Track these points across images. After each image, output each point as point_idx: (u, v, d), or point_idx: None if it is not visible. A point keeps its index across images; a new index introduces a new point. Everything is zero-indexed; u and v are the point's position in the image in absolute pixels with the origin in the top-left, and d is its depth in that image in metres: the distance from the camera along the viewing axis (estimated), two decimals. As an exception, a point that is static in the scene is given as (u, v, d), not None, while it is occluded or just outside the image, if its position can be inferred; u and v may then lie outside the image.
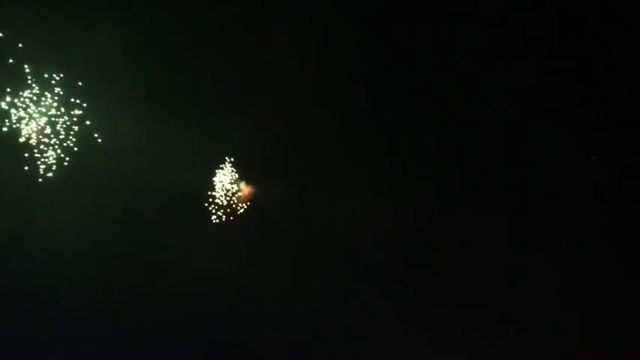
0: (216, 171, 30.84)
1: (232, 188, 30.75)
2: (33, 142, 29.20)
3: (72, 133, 29.49)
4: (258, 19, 28.60)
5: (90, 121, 29.55)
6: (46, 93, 29.08)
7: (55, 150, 29.51)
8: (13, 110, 28.59)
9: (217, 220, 30.56)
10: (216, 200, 30.64)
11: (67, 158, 29.56)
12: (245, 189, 30.62)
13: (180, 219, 29.76)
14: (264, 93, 28.95)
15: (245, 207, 30.60)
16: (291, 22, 28.05)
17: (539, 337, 26.93)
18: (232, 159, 30.89)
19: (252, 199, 30.52)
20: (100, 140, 29.71)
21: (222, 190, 30.70)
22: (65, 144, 29.51)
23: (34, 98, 28.95)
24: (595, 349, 26.04)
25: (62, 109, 29.33)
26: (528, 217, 27.28)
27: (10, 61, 28.19)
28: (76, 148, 29.61)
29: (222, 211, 30.61)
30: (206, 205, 30.63)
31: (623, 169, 25.84)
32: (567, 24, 25.63)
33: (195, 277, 29.43)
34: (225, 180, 30.71)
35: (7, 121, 28.44)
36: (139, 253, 29.78)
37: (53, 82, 29.05)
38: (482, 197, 27.57)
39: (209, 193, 30.68)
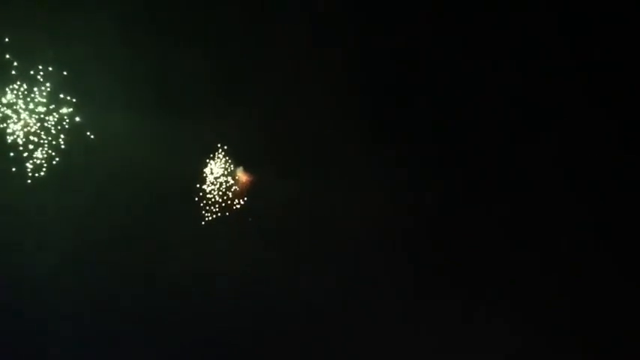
0: (210, 163, 30.25)
1: (227, 182, 30.24)
2: (20, 141, 28.29)
3: (61, 130, 28.67)
4: (249, 8, 28.08)
5: (80, 118, 28.74)
6: (34, 89, 28.21)
7: (44, 149, 28.68)
8: (-2, 108, 27.82)
9: (211, 217, 30.07)
10: (209, 195, 30.14)
11: (57, 158, 28.79)
12: (241, 182, 30.16)
13: (178, 217, 29.36)
14: (260, 78, 28.45)
15: (241, 202, 30.13)
16: (284, 12, 27.66)
17: (542, 338, 27.20)
18: (227, 151, 30.31)
19: (249, 194, 30.05)
20: (91, 137, 29.00)
21: (216, 184, 30.21)
22: (55, 142, 28.67)
23: (21, 95, 28.07)
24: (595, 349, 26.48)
25: (51, 106, 28.51)
26: (530, 216, 27.45)
27: (-5, 56, 27.44)
28: (64, 146, 28.83)
29: (216, 206, 30.13)
30: (197, 199, 30.09)
31: (624, 169, 26.13)
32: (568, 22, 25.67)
33: (189, 276, 29.04)
34: (219, 173, 30.21)
35: (-7, 119, 27.76)
36: (133, 254, 29.20)
37: (39, 77, 28.12)
38: (485, 196, 27.63)
39: (202, 187, 30.12)
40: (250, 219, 29.73)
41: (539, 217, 27.35)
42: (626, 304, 26.56)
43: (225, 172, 30.35)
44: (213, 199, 30.20)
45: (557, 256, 27.14)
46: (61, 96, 28.55)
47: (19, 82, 27.96)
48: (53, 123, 28.72)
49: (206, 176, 30.22)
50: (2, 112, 27.92)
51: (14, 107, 28.07)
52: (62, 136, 28.84)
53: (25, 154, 28.48)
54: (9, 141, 28.17)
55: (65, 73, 28.31)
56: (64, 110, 28.68)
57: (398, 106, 27.76)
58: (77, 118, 28.84)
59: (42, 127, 28.58)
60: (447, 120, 27.54)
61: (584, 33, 26.12)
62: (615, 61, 25.64)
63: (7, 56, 27.54)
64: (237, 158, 30.26)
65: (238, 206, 30.17)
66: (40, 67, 28.11)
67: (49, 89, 28.35)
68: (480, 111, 27.16)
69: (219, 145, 30.28)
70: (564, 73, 26.47)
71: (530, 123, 27.30)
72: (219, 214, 30.19)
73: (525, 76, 26.47)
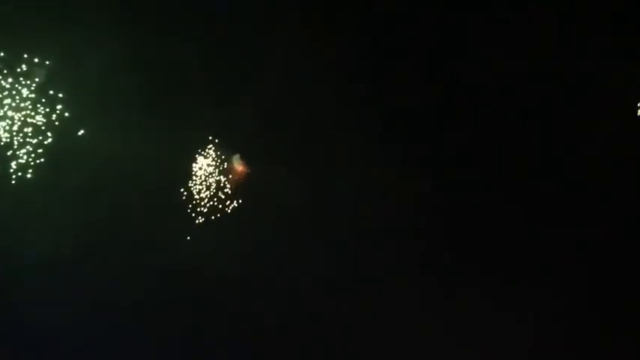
0: (205, 159, 29.42)
1: (223, 179, 29.40)
2: (5, 138, 27.11)
3: (48, 127, 27.55)
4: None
5: (68, 114, 27.63)
6: (21, 84, 27.03)
7: (30, 146, 27.53)
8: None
9: (206, 215, 29.20)
10: (204, 192, 29.30)
11: (42, 158, 27.67)
12: (237, 179, 29.41)
13: (172, 215, 28.66)
14: (258, 73, 27.85)
15: (237, 199, 29.33)
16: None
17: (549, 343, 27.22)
18: (223, 147, 29.51)
19: (245, 191, 29.25)
20: (78, 136, 27.94)
21: (211, 180, 29.40)
22: (42, 138, 27.56)
23: (6, 91, 26.82)
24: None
25: (38, 102, 27.35)
26: (532, 214, 27.44)
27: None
28: (51, 145, 27.66)
29: (211, 203, 29.28)
30: (191, 197, 29.19)
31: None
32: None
33: (185, 275, 28.27)
34: (214, 169, 29.45)
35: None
36: (121, 260, 28.46)
37: (25, 71, 26.99)
38: (486, 195, 27.55)
39: (196, 184, 29.27)
40: (246, 216, 28.99)
41: (541, 215, 27.26)
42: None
43: (221, 169, 29.63)
44: (208, 196, 29.45)
45: (563, 254, 27.04)
46: (51, 92, 27.47)
47: (3, 77, 26.68)
48: (40, 119, 27.62)
49: (201, 173, 29.45)
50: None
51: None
52: (49, 133, 27.78)
53: (9, 153, 27.30)
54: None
55: (53, 67, 27.28)
56: (52, 106, 27.53)
57: (399, 100, 27.39)
58: (66, 114, 27.79)
59: (28, 124, 27.48)
60: (449, 115, 27.36)
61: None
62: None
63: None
64: (233, 154, 29.57)
65: (234, 204, 29.46)
66: (27, 62, 26.98)
67: (35, 84, 27.25)
68: (483, 107, 27.07)
69: (214, 141, 29.50)
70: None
71: (529, 122, 27.25)
72: (214, 212, 29.42)
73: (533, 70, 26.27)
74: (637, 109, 24.97)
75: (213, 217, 29.25)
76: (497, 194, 27.06)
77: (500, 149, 26.84)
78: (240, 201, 29.31)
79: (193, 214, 29.17)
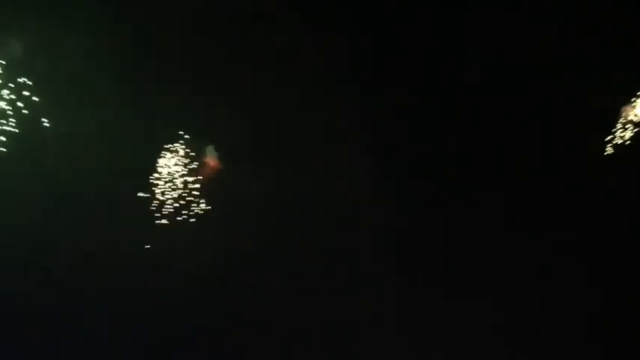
0: (175, 155, 27.72)
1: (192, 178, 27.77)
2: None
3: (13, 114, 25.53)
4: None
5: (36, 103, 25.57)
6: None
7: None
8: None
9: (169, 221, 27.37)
10: (174, 191, 27.59)
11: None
12: (209, 176, 27.73)
13: (142, 214, 27.13)
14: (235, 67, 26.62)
15: (210, 201, 27.74)
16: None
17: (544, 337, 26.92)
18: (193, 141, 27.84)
19: (216, 192, 27.75)
20: (42, 126, 25.93)
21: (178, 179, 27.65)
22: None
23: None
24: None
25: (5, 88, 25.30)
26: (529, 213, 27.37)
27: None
28: (13, 134, 25.54)
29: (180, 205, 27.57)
30: (159, 195, 27.45)
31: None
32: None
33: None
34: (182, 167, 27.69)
35: None
36: (83, 258, 26.71)
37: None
38: (486, 195, 27.26)
39: (165, 182, 27.63)
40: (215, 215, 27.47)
41: (541, 215, 27.16)
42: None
43: (195, 165, 27.90)
44: (177, 196, 27.69)
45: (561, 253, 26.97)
46: (20, 80, 25.37)
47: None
48: (4, 105, 25.42)
49: (171, 170, 27.67)
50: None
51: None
52: (12, 120, 25.48)
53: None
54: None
55: (22, 52, 25.28)
56: (18, 93, 25.41)
57: (399, 100, 26.89)
58: (33, 99, 25.58)
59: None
60: (449, 115, 27.03)
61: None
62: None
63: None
64: (207, 150, 27.93)
65: (208, 203, 27.76)
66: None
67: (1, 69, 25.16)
68: (483, 107, 26.90)
69: (185, 136, 27.77)
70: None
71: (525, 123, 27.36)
72: (185, 210, 27.66)
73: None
74: (637, 109, 25.69)
75: (180, 218, 27.52)
76: (497, 194, 26.76)
77: (500, 149, 26.64)
78: (215, 200, 27.74)
79: (160, 214, 27.36)
